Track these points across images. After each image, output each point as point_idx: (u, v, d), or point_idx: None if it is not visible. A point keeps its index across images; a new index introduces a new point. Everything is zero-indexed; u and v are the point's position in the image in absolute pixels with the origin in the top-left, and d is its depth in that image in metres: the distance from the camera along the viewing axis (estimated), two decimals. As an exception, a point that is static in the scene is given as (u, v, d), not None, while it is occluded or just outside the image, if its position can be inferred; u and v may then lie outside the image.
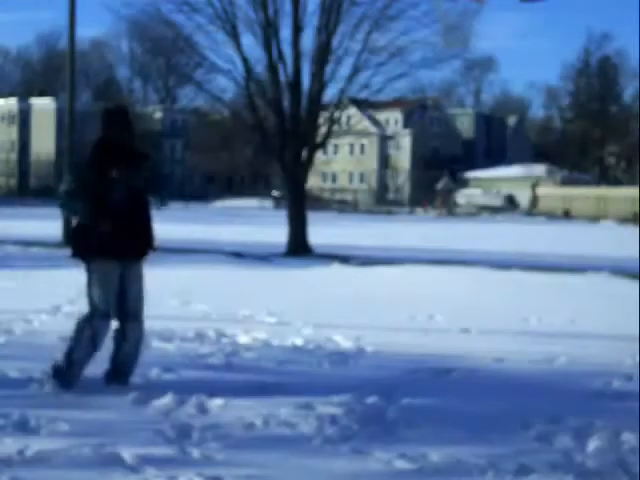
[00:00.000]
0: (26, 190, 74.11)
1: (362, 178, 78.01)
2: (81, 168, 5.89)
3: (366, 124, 67.57)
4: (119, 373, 5.96)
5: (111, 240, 5.70)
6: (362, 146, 77.25)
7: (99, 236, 5.70)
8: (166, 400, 5.54)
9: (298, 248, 18.59)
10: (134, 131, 5.95)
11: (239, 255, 17.37)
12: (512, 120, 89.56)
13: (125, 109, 6.11)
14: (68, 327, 7.79)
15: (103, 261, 5.77)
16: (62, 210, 5.85)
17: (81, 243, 5.82)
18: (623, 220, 48.06)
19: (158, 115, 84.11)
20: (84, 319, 5.87)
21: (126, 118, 5.89)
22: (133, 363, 6.02)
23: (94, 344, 5.81)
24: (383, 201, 71.10)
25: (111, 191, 5.69)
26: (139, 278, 5.98)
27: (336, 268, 15.69)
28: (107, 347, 5.99)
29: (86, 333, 5.80)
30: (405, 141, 77.97)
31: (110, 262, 5.78)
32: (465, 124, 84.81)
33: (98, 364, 6.24)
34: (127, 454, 4.45)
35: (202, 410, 5.40)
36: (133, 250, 5.89)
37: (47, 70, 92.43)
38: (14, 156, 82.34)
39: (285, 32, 18.98)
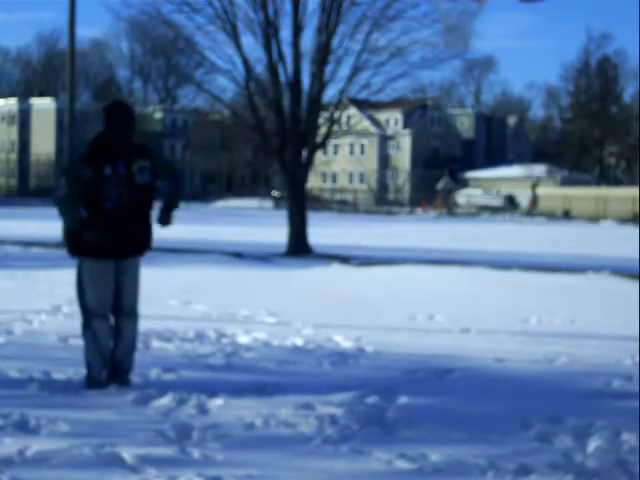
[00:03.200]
0: (26, 190, 74.01)
1: (362, 178, 77.96)
2: (73, 166, 5.81)
3: (366, 124, 67.50)
4: (118, 370, 5.96)
5: (105, 239, 5.67)
6: (362, 146, 77.20)
7: (93, 235, 5.66)
8: (166, 400, 5.54)
9: (298, 248, 18.58)
10: (135, 127, 5.86)
11: (239, 255, 17.37)
12: (512, 120, 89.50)
13: (127, 105, 6.05)
14: (68, 327, 7.83)
15: (97, 260, 5.74)
16: (61, 217, 5.75)
17: (75, 241, 5.78)
18: (623, 220, 48.02)
19: (158, 115, 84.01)
20: (83, 324, 5.89)
21: (128, 114, 5.84)
22: (131, 360, 6.01)
23: (99, 344, 5.82)
24: (383, 201, 71.03)
25: (105, 188, 5.64)
26: (134, 275, 5.95)
27: (336, 268, 15.69)
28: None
29: (88, 335, 5.83)
30: (405, 141, 77.86)
31: (105, 261, 5.76)
32: (465, 124, 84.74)
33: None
34: (127, 454, 4.45)
35: (202, 410, 5.41)
36: (128, 248, 5.85)
37: (47, 70, 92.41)
38: (14, 156, 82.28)
39: (285, 32, 18.99)
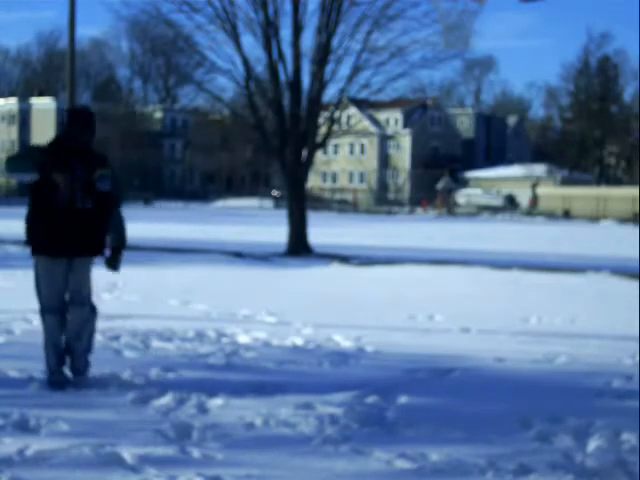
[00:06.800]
0: (26, 190, 73.93)
1: (362, 178, 77.95)
2: (36, 153, 5.89)
3: (366, 124, 67.49)
4: (71, 362, 5.98)
5: (57, 238, 5.79)
6: (362, 146, 77.22)
7: (45, 234, 5.81)
8: (166, 400, 5.55)
9: (298, 248, 18.58)
10: (94, 133, 5.96)
11: (239, 255, 17.38)
12: (512, 120, 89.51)
13: (85, 111, 6.10)
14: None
15: (49, 259, 5.86)
16: (9, 171, 5.91)
17: (31, 239, 5.92)
18: (623, 220, 48.00)
19: (158, 115, 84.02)
20: (40, 319, 6.00)
21: (85, 120, 5.92)
22: (79, 349, 5.96)
23: (50, 338, 5.91)
24: (383, 201, 71.00)
25: (59, 189, 5.73)
26: (83, 271, 5.95)
27: (336, 268, 15.69)
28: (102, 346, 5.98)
29: (43, 331, 5.96)
30: (405, 141, 77.85)
31: (56, 260, 5.85)
32: (465, 124, 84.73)
33: (100, 365, 6.25)
34: (127, 454, 4.45)
35: (202, 410, 5.41)
36: (79, 248, 5.89)
37: (47, 70, 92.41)
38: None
39: (285, 32, 18.99)
